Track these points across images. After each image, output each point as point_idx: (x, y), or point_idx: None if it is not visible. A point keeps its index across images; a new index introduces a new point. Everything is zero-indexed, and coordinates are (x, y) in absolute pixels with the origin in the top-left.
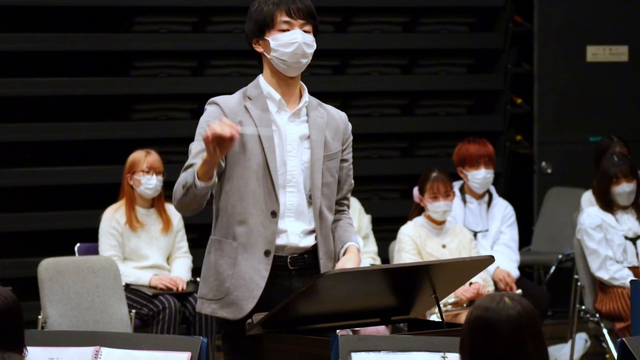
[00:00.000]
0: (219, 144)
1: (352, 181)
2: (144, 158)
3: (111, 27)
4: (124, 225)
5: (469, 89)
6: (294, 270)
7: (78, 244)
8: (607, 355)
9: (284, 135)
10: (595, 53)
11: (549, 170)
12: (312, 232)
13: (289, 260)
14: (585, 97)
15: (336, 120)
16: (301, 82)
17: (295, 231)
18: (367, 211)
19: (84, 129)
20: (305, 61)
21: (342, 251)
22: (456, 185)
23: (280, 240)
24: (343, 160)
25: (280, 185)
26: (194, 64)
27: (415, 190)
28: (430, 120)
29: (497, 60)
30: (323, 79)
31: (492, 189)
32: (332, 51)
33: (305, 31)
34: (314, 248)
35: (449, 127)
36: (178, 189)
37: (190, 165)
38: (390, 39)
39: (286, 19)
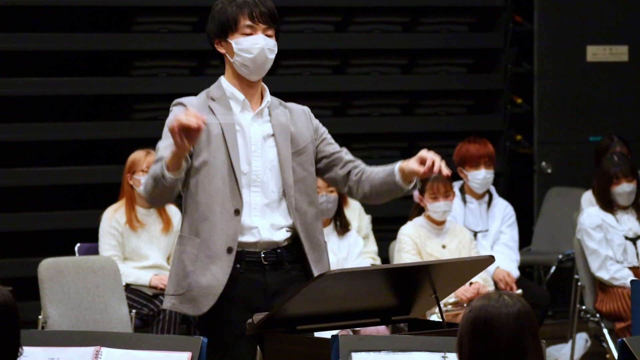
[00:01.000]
0: (186, 134)
1: (342, 148)
2: (143, 158)
3: (111, 27)
4: (124, 225)
5: (469, 89)
6: (268, 265)
7: (78, 244)
8: (608, 355)
9: (248, 135)
10: (595, 53)
11: (549, 170)
12: (283, 227)
13: (262, 255)
14: (585, 97)
15: (299, 114)
16: (262, 83)
17: (264, 226)
18: (367, 211)
19: (84, 129)
20: (267, 66)
21: (396, 169)
22: (456, 185)
23: (251, 237)
24: (328, 141)
25: (245, 185)
26: (194, 64)
27: (415, 190)
28: (430, 120)
29: (497, 60)
30: (323, 79)
31: (492, 189)
32: (332, 51)
33: (267, 35)
34: (288, 243)
35: (449, 127)
36: (148, 181)
37: (160, 159)
38: (390, 39)
39: (249, 23)
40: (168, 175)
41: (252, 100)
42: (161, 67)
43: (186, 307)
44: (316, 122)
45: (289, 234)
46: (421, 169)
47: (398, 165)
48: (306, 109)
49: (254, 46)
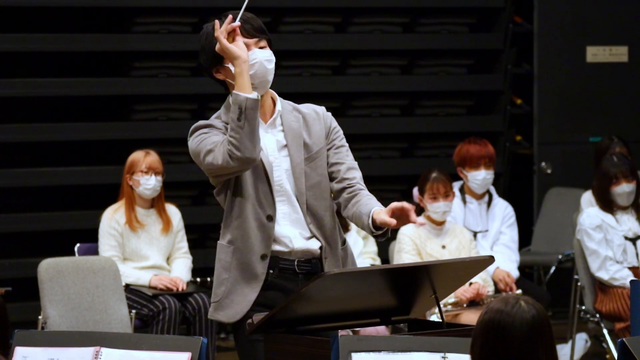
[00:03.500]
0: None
1: (354, 164)
2: (143, 158)
3: (111, 27)
4: (124, 225)
5: (469, 89)
6: (301, 275)
7: (78, 244)
8: (607, 356)
9: (265, 147)
10: (595, 53)
11: (549, 171)
12: (312, 236)
13: (295, 263)
14: (585, 97)
15: (312, 118)
16: (271, 90)
17: (296, 235)
18: None
19: (84, 129)
20: (270, 77)
21: (371, 212)
22: (456, 185)
23: (284, 247)
24: (336, 148)
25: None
26: (194, 64)
27: (415, 191)
28: (430, 121)
29: (497, 61)
30: (323, 79)
31: (492, 189)
32: (332, 51)
33: (261, 47)
34: (321, 254)
35: (449, 127)
36: (228, 143)
37: (213, 148)
38: (390, 39)
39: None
40: (250, 96)
41: (263, 112)
42: (161, 67)
43: (221, 314)
44: (332, 124)
45: (318, 242)
46: (392, 222)
47: (374, 210)
48: (321, 110)
49: (253, 62)
